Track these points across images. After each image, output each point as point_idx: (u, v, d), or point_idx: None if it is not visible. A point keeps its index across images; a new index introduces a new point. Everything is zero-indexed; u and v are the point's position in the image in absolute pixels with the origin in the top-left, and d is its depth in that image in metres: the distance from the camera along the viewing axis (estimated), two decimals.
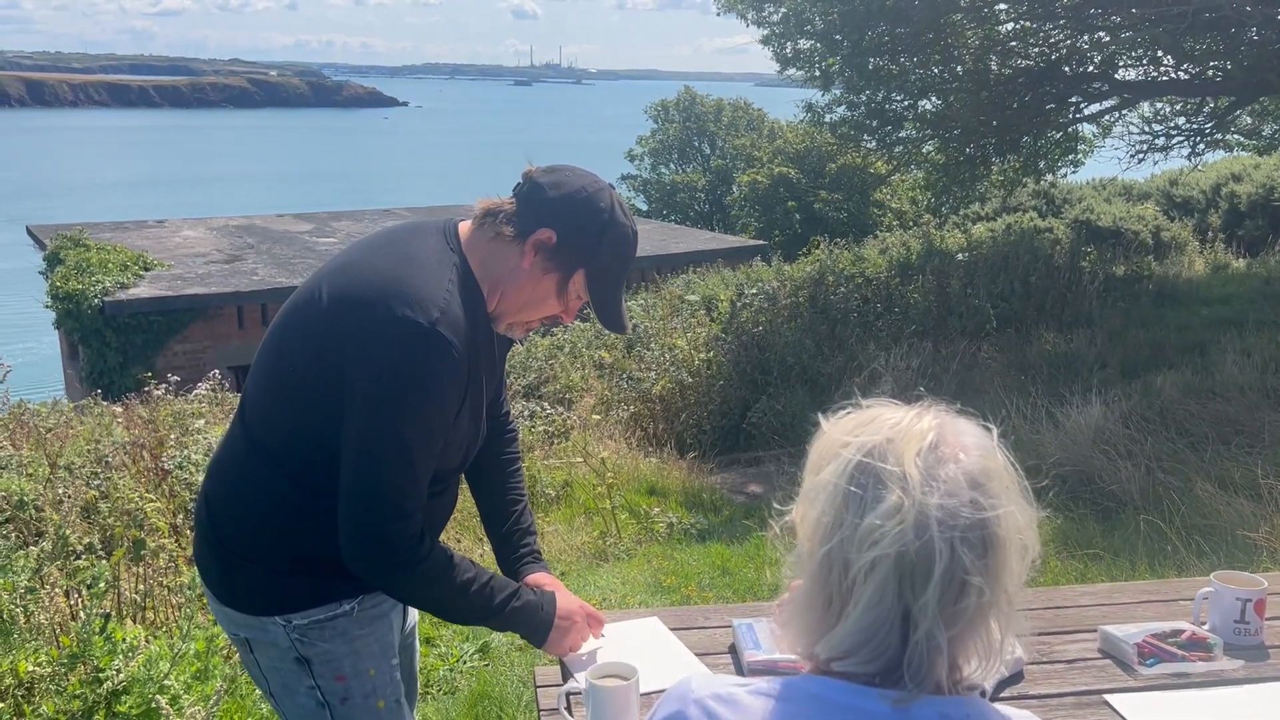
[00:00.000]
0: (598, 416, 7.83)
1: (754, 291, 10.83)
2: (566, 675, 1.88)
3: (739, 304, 10.59)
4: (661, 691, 1.84)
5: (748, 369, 9.29)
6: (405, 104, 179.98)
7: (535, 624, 1.87)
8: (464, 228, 1.88)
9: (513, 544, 2.16)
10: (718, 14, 11.93)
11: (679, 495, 6.70)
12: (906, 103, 12.79)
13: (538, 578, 2.11)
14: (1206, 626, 1.97)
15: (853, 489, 1.07)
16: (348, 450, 1.73)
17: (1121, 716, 1.72)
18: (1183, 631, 1.92)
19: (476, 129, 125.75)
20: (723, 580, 4.51)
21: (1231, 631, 1.93)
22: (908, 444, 1.08)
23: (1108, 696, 1.78)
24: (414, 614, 2.17)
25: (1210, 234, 15.15)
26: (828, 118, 13.57)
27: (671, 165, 31.67)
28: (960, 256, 10.95)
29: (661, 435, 8.32)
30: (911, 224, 20.19)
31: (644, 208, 29.99)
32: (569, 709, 1.71)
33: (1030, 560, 1.09)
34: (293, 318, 1.84)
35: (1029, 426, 5.79)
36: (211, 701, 2.66)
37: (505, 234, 1.83)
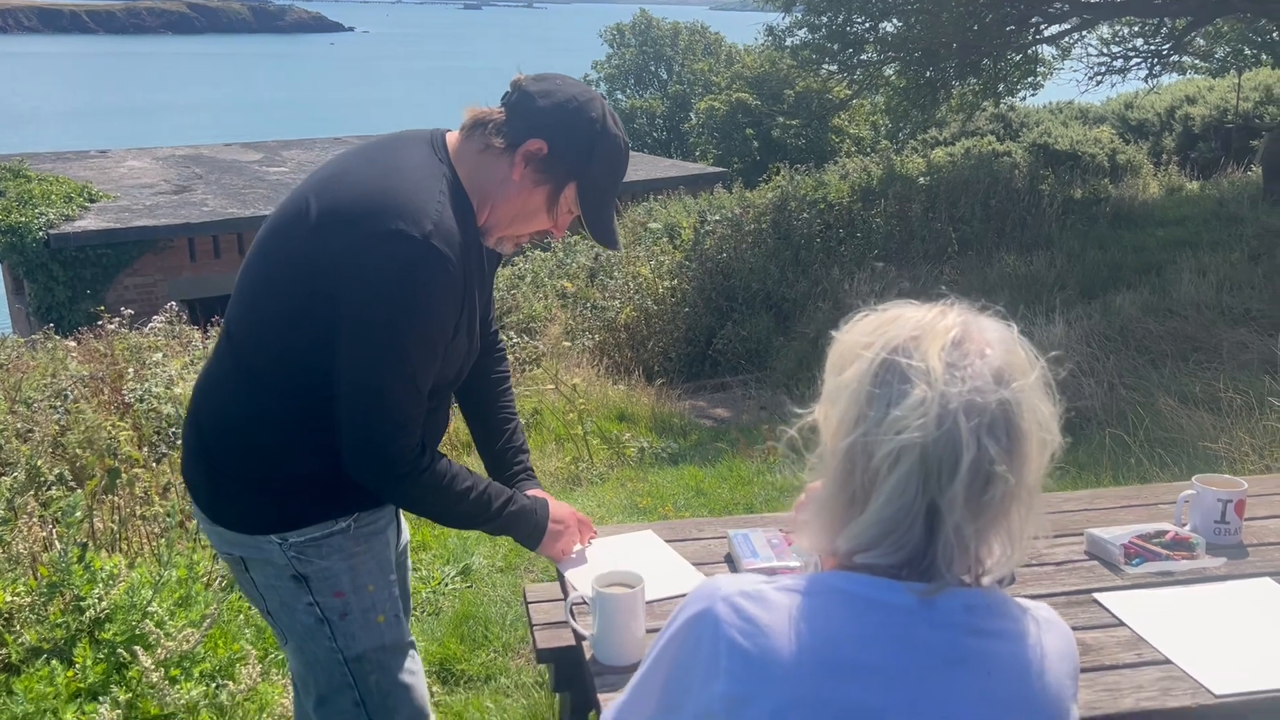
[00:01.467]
0: (568, 343, 7.81)
1: (717, 218, 10.78)
2: (565, 589, 1.89)
3: (702, 231, 10.54)
4: (666, 600, 1.88)
5: (712, 295, 9.30)
6: (351, 29, 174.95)
7: (530, 527, 1.90)
8: (452, 138, 1.83)
9: (506, 462, 2.15)
10: None
11: (648, 421, 6.74)
12: (867, 25, 12.67)
13: (531, 493, 2.11)
14: (1188, 527, 2.02)
15: (877, 387, 1.07)
16: (345, 369, 1.71)
17: (1111, 613, 1.77)
18: (1166, 532, 1.97)
19: (425, 54, 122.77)
20: (698, 501, 4.55)
21: (1212, 531, 1.98)
22: (932, 340, 1.07)
23: (1097, 595, 1.83)
24: (407, 532, 2.16)
25: (1165, 156, 15.29)
26: (788, 41, 13.42)
27: (628, 91, 31.22)
28: (921, 181, 10.95)
29: (629, 363, 8.33)
30: (870, 150, 20.15)
31: None
32: (573, 617, 1.72)
33: (1050, 454, 1.10)
34: (278, 235, 1.79)
35: None
36: (204, 625, 2.65)
37: (495, 145, 1.78)
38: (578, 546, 2.00)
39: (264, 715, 2.77)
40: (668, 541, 2.09)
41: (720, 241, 10.13)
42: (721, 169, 19.75)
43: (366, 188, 1.70)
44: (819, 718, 1.02)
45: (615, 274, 10.43)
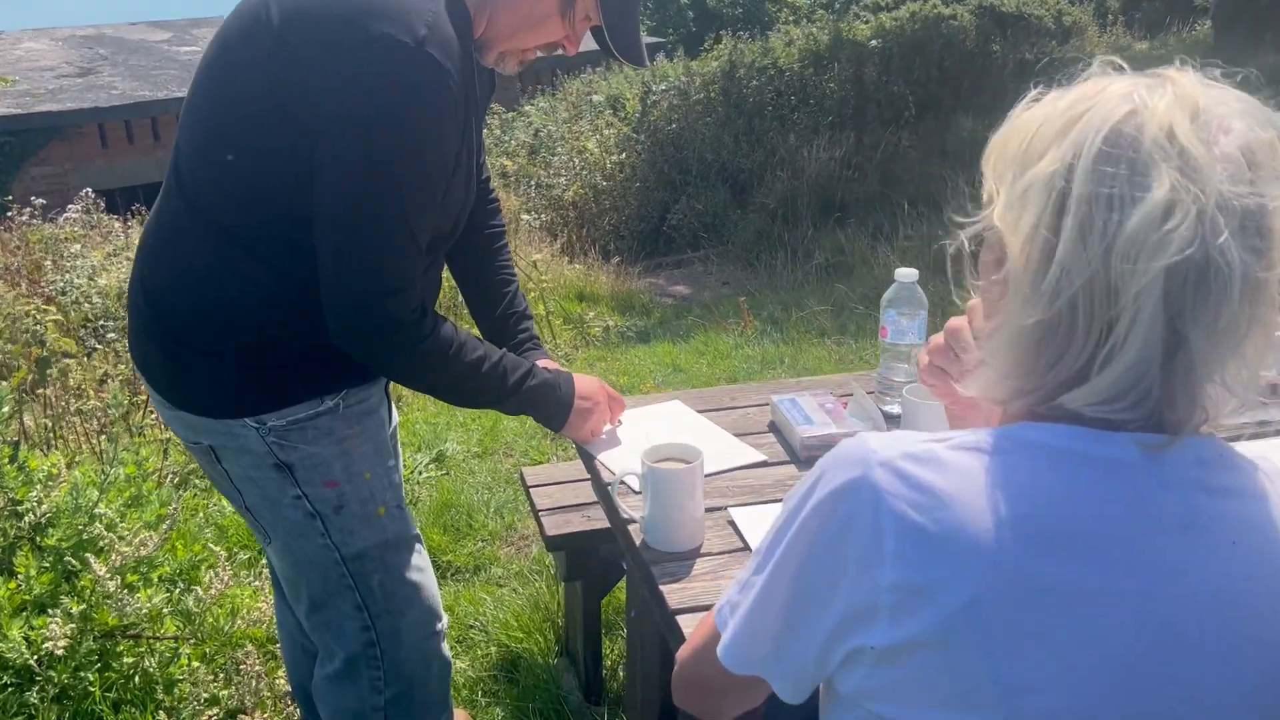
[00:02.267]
0: (527, 216, 7.43)
1: (663, 88, 10.30)
2: (594, 472, 1.64)
3: (648, 102, 10.07)
4: (718, 475, 1.64)
5: (664, 169, 8.93)
6: None
7: (553, 405, 1.63)
8: None
9: (509, 330, 1.87)
10: None
11: (609, 300, 6.47)
12: None
13: (542, 364, 1.84)
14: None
15: (1101, 185, 0.80)
16: (326, 215, 1.40)
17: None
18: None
19: None
20: (677, 377, 4.33)
21: None
22: (1159, 118, 0.81)
23: None
24: (395, 415, 1.88)
25: (1110, 16, 15.02)
26: None
27: None
28: (873, 44, 10.56)
29: (583, 242, 7.99)
30: (806, 20, 19.51)
31: None
32: (616, 499, 1.48)
33: None
34: (231, 51, 1.45)
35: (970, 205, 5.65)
36: (163, 528, 2.36)
37: None
38: (607, 426, 1.74)
39: (237, 620, 2.52)
40: (700, 412, 1.85)
41: (668, 112, 9.70)
42: (659, 39, 19.04)
43: None
44: (1027, 605, 0.79)
45: (558, 150, 9.97)
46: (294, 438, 1.57)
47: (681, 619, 1.25)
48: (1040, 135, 0.85)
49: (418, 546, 1.71)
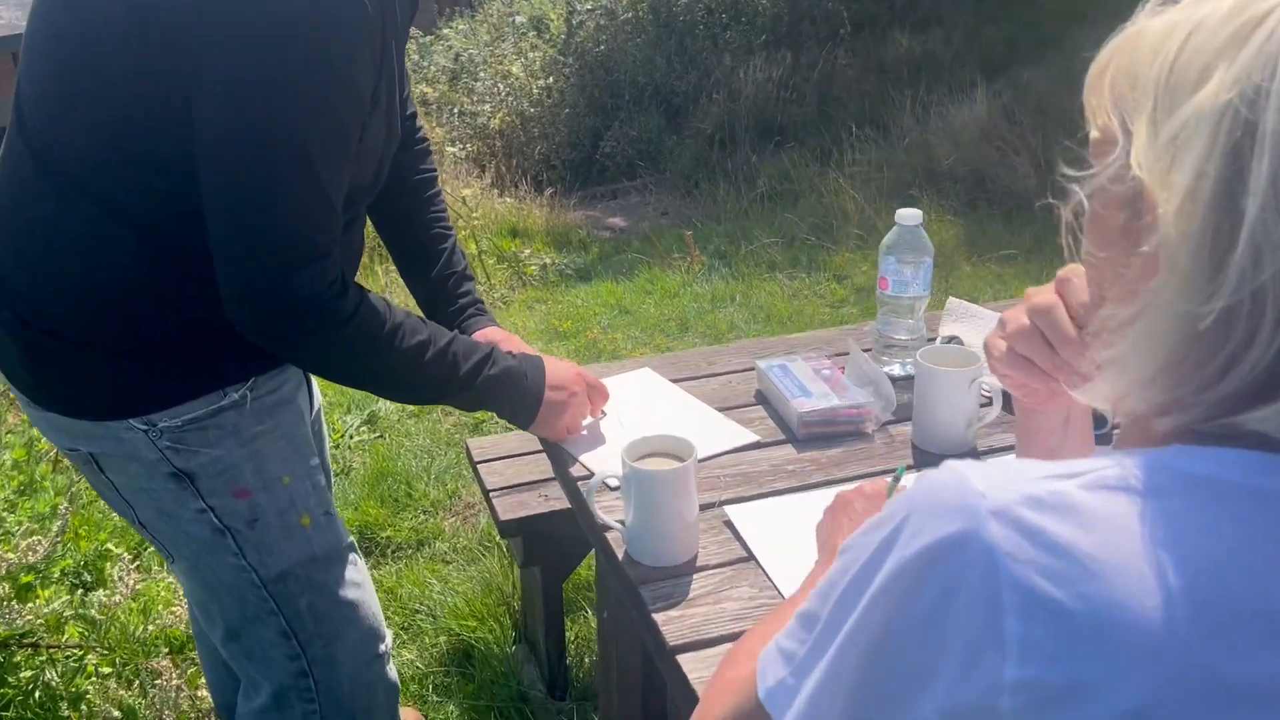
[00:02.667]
0: (452, 149, 7.03)
1: (588, 7, 9.82)
2: (562, 462, 1.39)
3: (574, 23, 9.60)
4: (708, 460, 1.40)
5: (595, 93, 8.53)
6: None
7: (519, 397, 1.35)
8: None
9: (448, 293, 1.60)
10: None
11: (544, 235, 6.14)
12: None
13: (489, 333, 1.57)
14: None
15: None
16: (213, 166, 1.11)
17: None
18: None
19: None
20: (625, 320, 4.07)
21: None
22: None
23: None
24: (318, 393, 1.60)
25: None
26: None
27: None
28: None
29: (513, 174, 7.61)
30: None
31: None
32: (595, 504, 1.23)
33: None
34: None
35: (919, 128, 5.44)
36: (54, 531, 2.06)
37: None
38: (587, 419, 1.44)
39: (150, 623, 2.24)
40: (674, 381, 1.60)
41: (596, 33, 9.25)
42: None
43: None
44: (1212, 712, 0.57)
45: (481, 75, 9.48)
46: (192, 440, 1.29)
47: (685, 660, 1.03)
48: (1194, 49, 0.60)
49: (352, 558, 1.45)
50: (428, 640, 2.31)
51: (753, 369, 1.61)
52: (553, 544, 1.96)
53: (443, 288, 1.59)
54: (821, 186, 5.07)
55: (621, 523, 1.19)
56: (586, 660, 2.15)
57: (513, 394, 1.33)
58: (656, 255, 5.22)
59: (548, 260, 5.52)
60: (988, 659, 0.59)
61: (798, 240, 4.56)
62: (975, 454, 1.36)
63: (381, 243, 1.65)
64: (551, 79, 8.88)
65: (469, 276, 1.63)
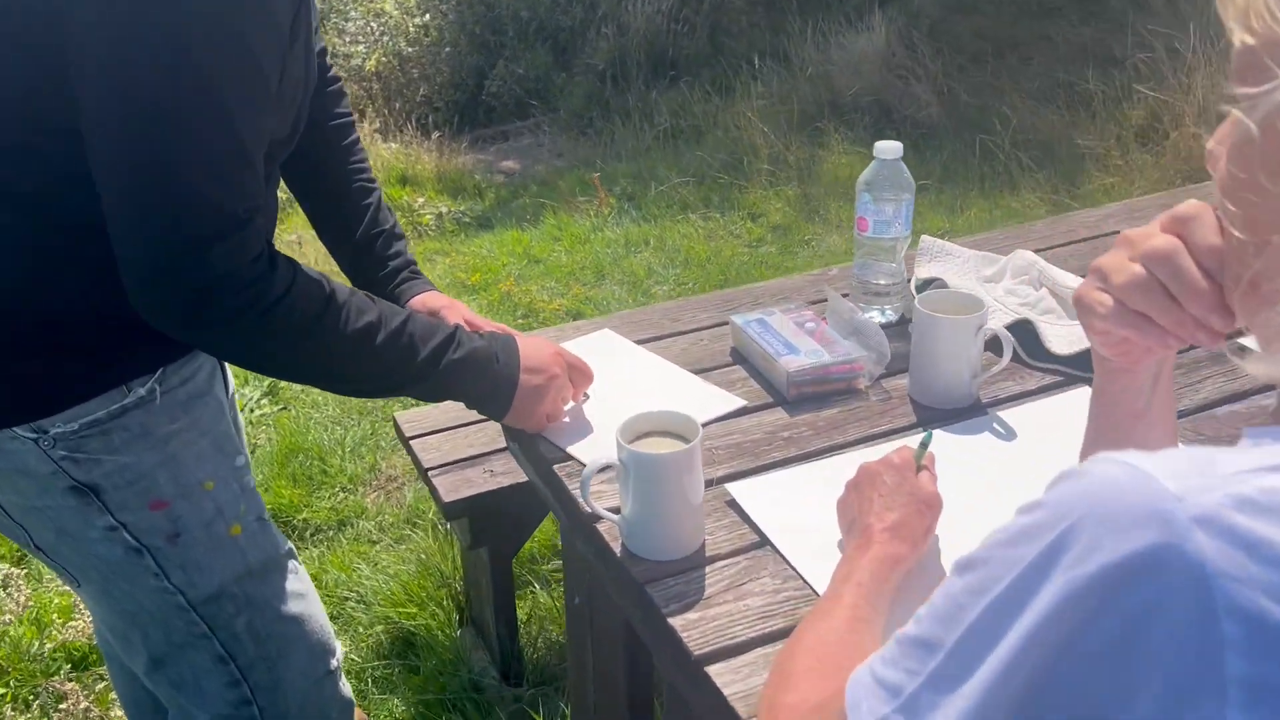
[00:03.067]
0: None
1: None
2: (534, 448, 1.22)
3: None
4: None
5: (476, 30, 8.15)
6: None
7: (490, 384, 1.16)
8: None
9: (375, 255, 1.41)
10: None
11: (435, 183, 5.85)
12: None
13: (427, 299, 1.40)
14: None
15: None
16: (104, 116, 0.91)
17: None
18: None
19: None
20: (536, 269, 3.87)
21: None
22: None
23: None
24: (232, 384, 1.39)
25: None
26: None
27: None
28: None
29: (396, 118, 7.23)
30: None
31: None
32: (590, 496, 1.07)
33: None
34: None
35: (818, 58, 5.33)
36: None
37: None
38: (569, 404, 1.26)
39: (45, 640, 2.01)
40: (639, 343, 1.45)
41: None
42: None
43: None
44: None
45: (352, 14, 8.97)
46: (93, 447, 1.09)
47: (717, 673, 0.89)
48: None
49: (291, 565, 1.27)
50: (362, 630, 2.13)
51: (724, 324, 1.47)
52: (502, 522, 1.81)
53: (369, 249, 1.40)
54: (727, 121, 4.92)
55: (616, 511, 1.05)
56: (541, 642, 2.02)
57: (481, 381, 1.15)
58: (560, 199, 5.01)
59: (443, 209, 5.25)
60: (1200, 706, 0.48)
61: (709, 178, 4.42)
62: (980, 408, 1.26)
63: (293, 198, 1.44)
64: (428, 15, 8.46)
65: (399, 235, 1.44)
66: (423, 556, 2.23)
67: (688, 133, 5.59)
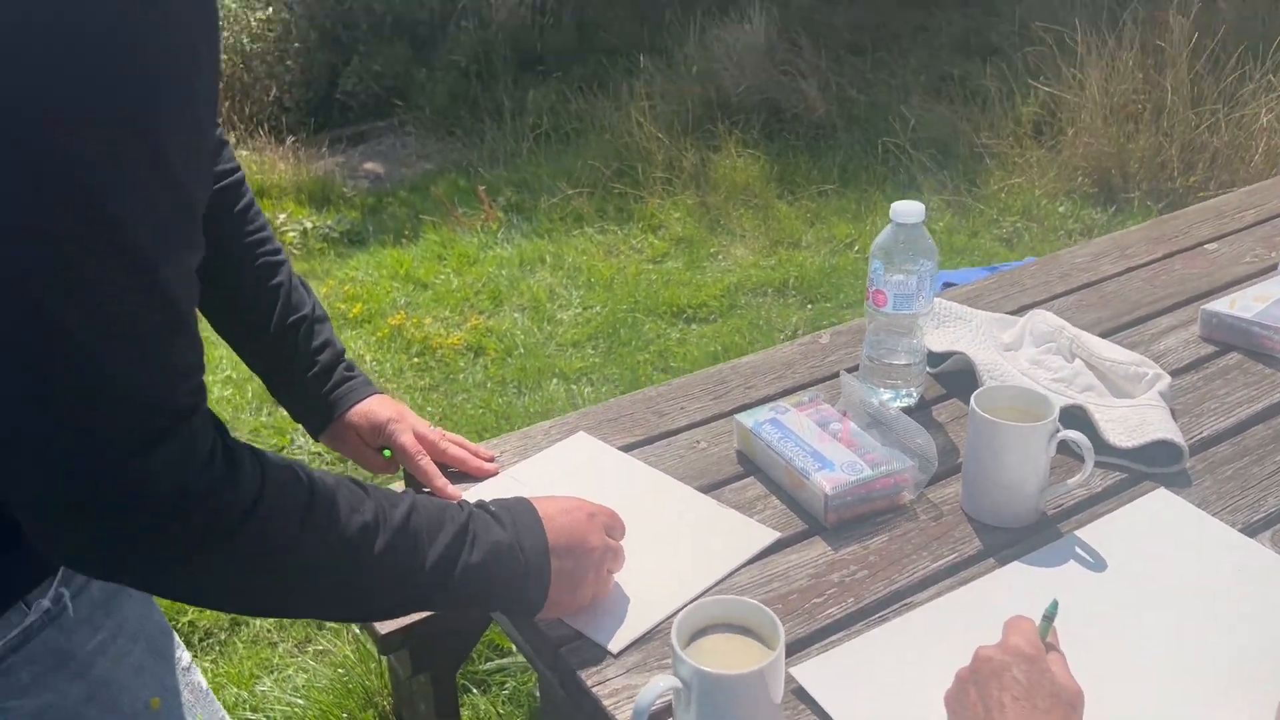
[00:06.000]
0: None
1: None
2: (528, 621, 0.96)
3: None
4: (725, 580, 0.99)
5: (327, 25, 7.65)
6: None
7: (517, 584, 0.88)
8: None
9: (297, 349, 1.12)
10: None
11: (295, 194, 5.40)
12: None
13: (371, 408, 1.13)
14: None
15: None
16: None
17: None
18: None
19: None
20: (426, 296, 3.54)
21: None
22: None
23: None
24: None
25: None
26: None
27: None
28: None
29: (245, 122, 6.70)
30: None
31: None
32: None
33: None
34: None
35: (702, 56, 5.13)
36: None
37: None
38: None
39: None
40: (624, 450, 1.20)
41: None
42: None
43: None
44: None
45: None
46: None
47: None
48: None
49: None
50: None
51: (721, 418, 1.24)
52: (446, 642, 1.53)
53: (289, 343, 1.11)
54: (612, 123, 4.68)
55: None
56: None
57: (508, 583, 0.87)
58: (436, 210, 4.67)
59: (308, 224, 4.83)
60: None
61: (601, 186, 4.17)
62: (1050, 525, 1.07)
63: None
64: (271, 9, 7.89)
65: (321, 317, 1.15)
66: (339, 668, 1.93)
67: (566, 134, 5.32)
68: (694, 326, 3.23)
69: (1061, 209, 3.66)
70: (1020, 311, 1.45)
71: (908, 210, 1.19)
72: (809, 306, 3.27)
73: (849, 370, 1.28)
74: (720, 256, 3.65)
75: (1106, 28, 3.88)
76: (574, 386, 2.92)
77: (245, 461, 0.72)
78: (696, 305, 3.31)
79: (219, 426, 0.72)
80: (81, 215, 0.59)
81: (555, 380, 2.94)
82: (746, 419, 1.18)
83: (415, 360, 3.11)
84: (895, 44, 5.73)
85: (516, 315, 3.33)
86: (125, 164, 0.60)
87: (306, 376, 1.12)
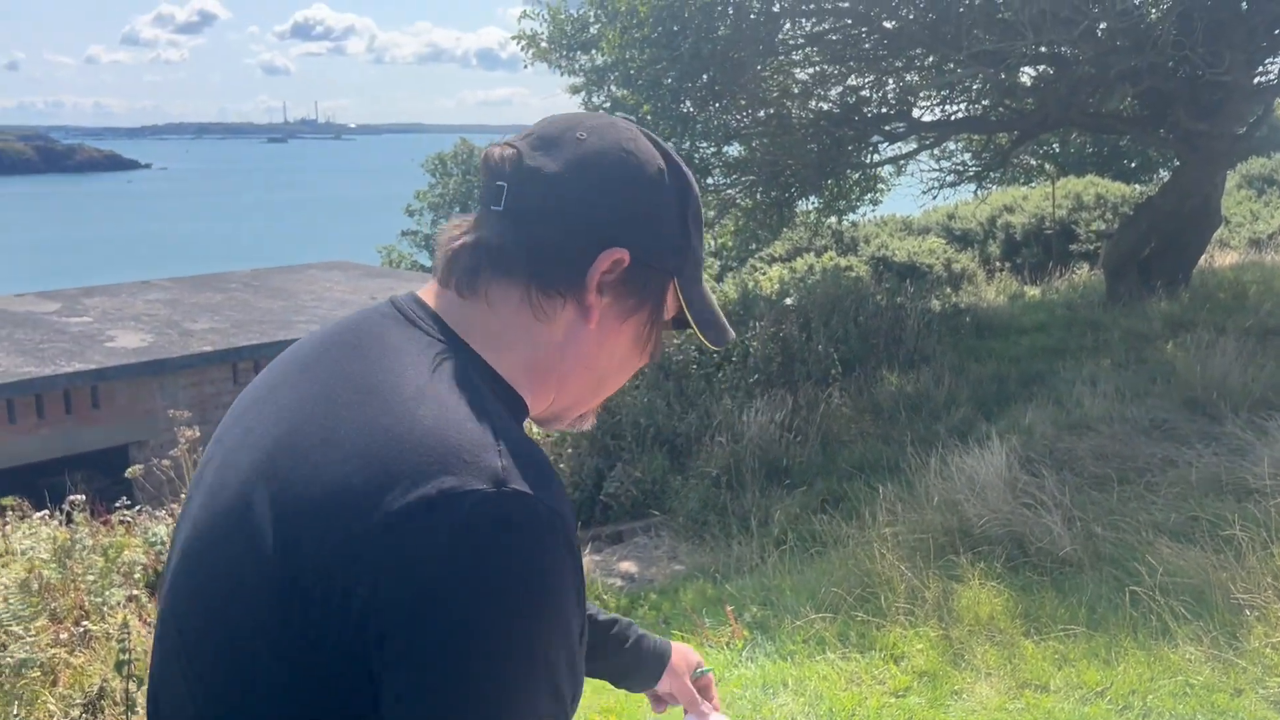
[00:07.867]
0: None
1: None
2: None
3: None
4: None
5: (598, 434, 8.61)
6: (148, 166, 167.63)
7: None
8: (436, 299, 1.08)
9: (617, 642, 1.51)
10: (525, 65, 11.35)
11: None
12: (712, 150, 12.64)
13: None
14: None
15: None
16: None
17: None
18: None
19: (231, 188, 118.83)
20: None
21: None
22: None
23: None
24: None
25: (991, 263, 15.89)
26: None
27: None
28: (789, 301, 10.76)
29: None
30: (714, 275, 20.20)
31: (429, 264, 28.98)
32: None
33: None
34: (217, 579, 0.97)
35: (942, 485, 5.42)
36: None
37: (533, 293, 1.04)
38: None
39: None
40: None
41: None
42: None
43: (355, 438, 0.93)
44: None
45: None
46: None
47: None
48: None
49: None
50: None
51: None
52: None
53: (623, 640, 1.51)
54: (855, 548, 4.94)
55: None
56: None
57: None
58: (684, 618, 4.98)
59: None
60: None
61: (843, 611, 4.36)
62: None
63: None
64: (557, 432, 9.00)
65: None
66: None
67: (808, 546, 5.62)
68: None
69: None
70: None
71: None
72: None
73: None
74: (964, 695, 3.67)
75: None
76: None
77: None
78: None
79: None
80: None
81: None
82: None
83: None
84: (1141, 479, 5.77)
85: None
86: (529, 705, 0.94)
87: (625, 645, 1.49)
